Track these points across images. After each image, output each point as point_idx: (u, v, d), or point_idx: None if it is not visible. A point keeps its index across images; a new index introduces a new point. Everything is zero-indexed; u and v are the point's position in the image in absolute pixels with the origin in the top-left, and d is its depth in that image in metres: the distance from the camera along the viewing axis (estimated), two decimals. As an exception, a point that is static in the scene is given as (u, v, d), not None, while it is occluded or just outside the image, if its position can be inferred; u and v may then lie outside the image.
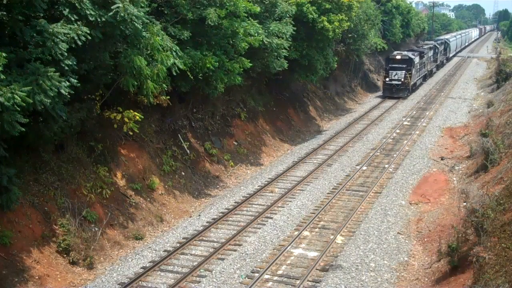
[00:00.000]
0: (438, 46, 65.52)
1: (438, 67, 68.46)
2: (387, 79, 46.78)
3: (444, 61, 74.70)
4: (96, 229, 17.06)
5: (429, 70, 59.33)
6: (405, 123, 37.05)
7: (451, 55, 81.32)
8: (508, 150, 21.78)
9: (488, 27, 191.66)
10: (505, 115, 28.98)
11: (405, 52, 48.43)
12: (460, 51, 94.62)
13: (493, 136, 24.53)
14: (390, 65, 46.49)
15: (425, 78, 57.00)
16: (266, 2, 26.54)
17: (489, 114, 32.82)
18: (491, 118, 29.88)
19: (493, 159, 21.66)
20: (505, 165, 19.55)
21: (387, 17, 58.35)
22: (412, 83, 47.92)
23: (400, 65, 46.03)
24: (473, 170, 23.47)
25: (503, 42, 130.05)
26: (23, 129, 12.84)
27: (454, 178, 24.19)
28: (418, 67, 49.97)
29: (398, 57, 46.53)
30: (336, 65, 35.89)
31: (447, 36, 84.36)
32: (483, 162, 22.20)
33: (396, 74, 46.23)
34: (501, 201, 14.86)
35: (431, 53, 59.16)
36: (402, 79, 46.11)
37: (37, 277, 14.39)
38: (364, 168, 26.34)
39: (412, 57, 46.94)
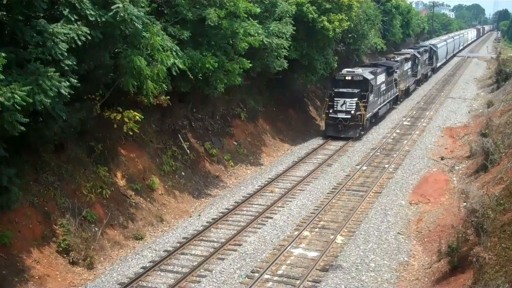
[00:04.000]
0: (419, 56, 51.32)
1: (420, 82, 54.11)
2: (331, 111, 31.76)
3: (429, 73, 60.32)
4: (96, 229, 17.06)
5: (404, 89, 45.22)
6: (405, 123, 37.06)
7: (439, 64, 66.71)
8: (508, 150, 21.77)
9: (487, 27, 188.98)
10: (505, 115, 29.00)
11: (359, 70, 33.67)
12: (452, 57, 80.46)
13: (493, 136, 24.55)
14: (335, 90, 31.88)
15: (396, 101, 42.78)
16: (266, 2, 26.52)
17: (489, 114, 32.83)
18: (491, 118, 29.89)
19: (493, 159, 21.66)
20: (505, 165, 19.54)
21: (387, 17, 58.29)
22: (369, 114, 33.12)
23: (351, 90, 31.52)
24: (473, 170, 23.48)
25: (503, 42, 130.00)
26: (24, 128, 12.83)
27: (454, 178, 24.20)
28: (381, 89, 35.93)
29: (348, 77, 32.12)
30: (336, 65, 35.87)
31: (434, 41, 68.70)
32: (483, 162, 22.20)
33: (343, 104, 31.30)
34: (501, 201, 14.86)
35: (407, 65, 45.97)
36: (353, 111, 31.20)
37: (37, 277, 14.40)
38: (364, 168, 26.34)
39: (369, 77, 32.53)
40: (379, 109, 36.23)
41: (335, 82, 32.67)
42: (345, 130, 31.48)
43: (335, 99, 31.64)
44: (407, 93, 47.33)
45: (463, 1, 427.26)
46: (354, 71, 33.13)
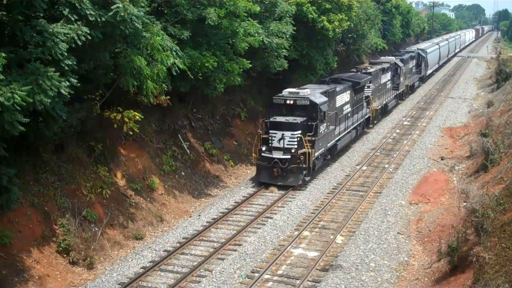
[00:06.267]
0: (401, 64, 41.82)
1: (403, 96, 45.08)
2: (264, 148, 22.97)
3: (416, 83, 51.44)
4: (96, 229, 17.06)
5: (379, 107, 35.75)
6: (405, 123, 37.06)
7: (429, 71, 57.48)
8: (508, 150, 21.78)
9: (486, 28, 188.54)
10: (505, 115, 29.00)
11: (307, 91, 24.07)
12: (445, 63, 71.69)
13: (493, 136, 24.55)
14: (271, 119, 23.14)
15: (368, 123, 33.99)
16: (266, 2, 26.57)
17: (489, 114, 32.83)
18: (491, 118, 29.91)
19: (493, 159, 21.67)
20: (505, 165, 19.56)
21: (387, 17, 58.40)
22: (319, 151, 23.99)
23: (292, 119, 22.92)
24: (473, 170, 23.48)
25: (503, 42, 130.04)
26: (24, 128, 12.84)
27: (454, 178, 24.20)
28: (343, 113, 27.31)
29: (289, 101, 23.25)
30: (336, 65, 35.88)
31: (423, 45, 58.92)
32: (483, 162, 22.21)
33: (281, 139, 22.49)
34: (501, 201, 14.87)
35: (386, 77, 37.20)
36: (293, 149, 22.41)
37: (37, 277, 14.40)
38: (364, 168, 26.34)
39: (319, 100, 23.41)
40: (338, 140, 26.92)
41: (273, 107, 23.75)
42: (282, 175, 22.58)
43: (271, 131, 22.76)
44: (384, 111, 38.11)
45: (463, 1, 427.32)
46: (298, 92, 23.78)
